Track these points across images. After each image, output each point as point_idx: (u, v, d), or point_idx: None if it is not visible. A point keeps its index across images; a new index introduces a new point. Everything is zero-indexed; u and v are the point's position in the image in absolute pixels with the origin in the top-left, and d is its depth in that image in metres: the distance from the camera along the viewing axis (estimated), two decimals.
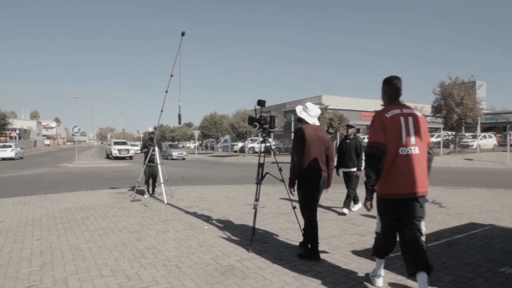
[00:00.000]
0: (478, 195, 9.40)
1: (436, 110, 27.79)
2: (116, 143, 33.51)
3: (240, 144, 39.57)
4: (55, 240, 5.06)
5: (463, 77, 27.74)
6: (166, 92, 7.82)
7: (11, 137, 53.79)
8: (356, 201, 7.24)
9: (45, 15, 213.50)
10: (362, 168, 6.64)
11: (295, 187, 4.27)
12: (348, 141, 6.99)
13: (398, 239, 3.31)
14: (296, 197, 4.42)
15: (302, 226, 4.53)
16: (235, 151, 41.35)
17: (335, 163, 7.07)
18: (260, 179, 4.88)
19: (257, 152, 37.29)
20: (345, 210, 6.87)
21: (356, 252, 4.52)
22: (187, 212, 7.07)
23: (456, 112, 25.73)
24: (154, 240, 5.05)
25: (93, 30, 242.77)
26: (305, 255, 4.26)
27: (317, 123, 4.36)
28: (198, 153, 43.63)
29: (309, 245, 4.26)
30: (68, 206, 7.78)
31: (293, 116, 39.95)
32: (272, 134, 5.16)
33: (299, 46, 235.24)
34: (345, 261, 4.19)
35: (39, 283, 3.53)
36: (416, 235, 3.11)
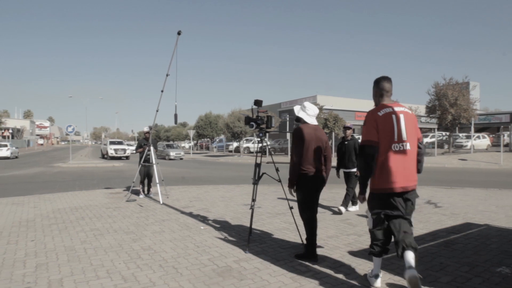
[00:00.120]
0: (473, 195, 9.45)
1: (431, 110, 27.95)
2: (112, 143, 32.93)
3: (235, 144, 39.52)
4: (49, 241, 5.00)
5: (457, 78, 27.87)
6: (162, 91, 7.77)
7: (4, 137, 53.26)
8: (354, 202, 7.25)
9: (38, 15, 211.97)
10: None
11: (295, 188, 4.26)
12: (346, 142, 7.11)
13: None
14: (293, 197, 4.40)
15: (302, 229, 4.50)
16: (230, 151, 41.31)
17: (335, 165, 7.13)
18: (257, 180, 4.85)
19: (252, 152, 37.32)
20: (342, 209, 6.90)
21: (353, 253, 4.51)
22: (183, 213, 7.03)
23: (450, 112, 25.90)
24: (150, 241, 5.01)
25: (88, 29, 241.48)
26: (303, 255, 4.24)
27: (315, 123, 4.35)
28: (193, 153, 43.51)
29: (307, 245, 4.24)
30: (62, 206, 7.70)
31: (288, 116, 40.04)
32: (267, 134, 5.14)
33: (294, 46, 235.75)
34: (342, 261, 4.18)
35: (33, 285, 3.48)
36: (408, 226, 3.29)
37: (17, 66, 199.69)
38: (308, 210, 4.21)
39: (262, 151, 5.02)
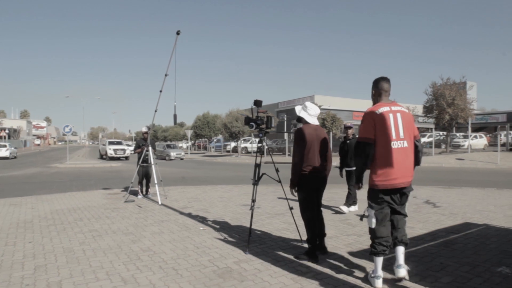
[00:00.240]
0: (471, 195, 9.47)
1: (428, 110, 28.04)
2: (111, 143, 32.42)
3: (233, 144, 39.50)
4: (48, 243, 4.96)
5: (454, 78, 28.02)
6: (161, 91, 7.74)
7: (0, 137, 52.98)
8: (354, 202, 7.26)
9: (34, 15, 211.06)
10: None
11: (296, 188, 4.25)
12: (348, 141, 7.16)
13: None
14: (294, 197, 4.41)
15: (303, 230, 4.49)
16: (228, 151, 41.29)
17: (338, 164, 7.13)
18: (257, 180, 4.84)
19: (250, 152, 37.30)
20: (345, 208, 6.96)
21: (353, 253, 4.51)
22: (181, 213, 7.00)
23: (447, 112, 25.99)
24: (149, 242, 4.98)
25: (85, 29, 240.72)
26: (303, 256, 4.23)
27: (317, 123, 4.34)
28: (190, 153, 43.43)
29: (308, 245, 4.23)
30: (60, 207, 7.66)
31: (285, 116, 40.05)
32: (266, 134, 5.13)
33: (292, 46, 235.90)
34: (343, 262, 4.17)
35: (32, 287, 3.45)
36: (403, 220, 3.58)
37: (13, 66, 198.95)
38: (309, 210, 4.20)
39: (260, 151, 5.00)
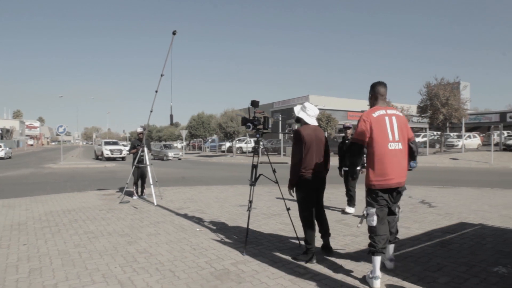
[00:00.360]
0: (466, 195, 9.53)
1: (422, 110, 28.20)
2: (107, 143, 31.66)
3: (227, 144, 39.45)
4: (42, 245, 4.90)
5: (446, 77, 28.19)
6: (156, 92, 7.69)
7: None
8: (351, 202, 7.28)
9: (25, 14, 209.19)
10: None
11: (294, 188, 4.26)
12: (346, 141, 7.17)
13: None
14: (292, 198, 4.41)
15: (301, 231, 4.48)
16: (223, 151, 41.23)
17: (337, 164, 7.14)
18: (254, 181, 4.82)
19: (245, 152, 37.26)
20: (351, 209, 7.00)
21: (350, 254, 4.50)
22: (177, 214, 6.97)
23: (441, 112, 26.16)
24: (145, 244, 4.94)
25: (79, 29, 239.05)
26: (300, 257, 4.22)
27: (316, 123, 4.35)
28: (185, 153, 43.29)
29: (305, 246, 4.22)
30: (54, 208, 7.59)
31: (280, 116, 40.05)
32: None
33: (286, 46, 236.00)
34: (340, 263, 4.17)
35: None
36: (395, 219, 3.76)
37: (6, 66, 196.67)
38: (307, 210, 4.20)
39: (255, 151, 4.99)
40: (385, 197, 3.53)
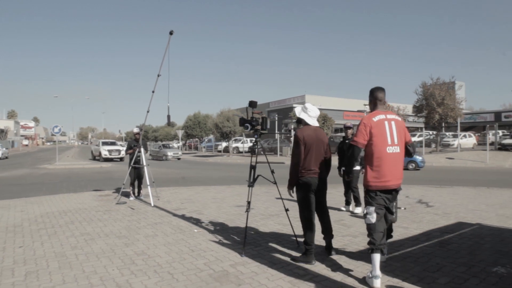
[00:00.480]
0: (462, 194, 9.57)
1: (418, 110, 28.30)
2: (105, 144, 30.89)
3: (224, 144, 39.37)
4: (38, 247, 4.85)
5: (441, 77, 28.31)
6: (153, 92, 7.64)
7: None
8: (348, 202, 7.26)
9: (22, 14, 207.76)
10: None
11: (294, 189, 4.27)
12: (347, 141, 7.12)
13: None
14: (288, 198, 4.40)
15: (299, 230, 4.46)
16: (219, 151, 41.14)
17: (337, 164, 7.13)
18: (252, 182, 4.79)
19: (241, 152, 37.21)
20: (358, 210, 7.00)
21: (349, 254, 4.49)
22: (175, 215, 6.93)
23: (437, 112, 26.27)
24: (143, 245, 4.90)
25: (74, 29, 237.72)
26: (299, 258, 4.20)
27: (317, 124, 4.35)
28: (182, 153, 43.17)
29: (304, 246, 4.20)
30: (50, 210, 7.52)
31: (276, 115, 40.06)
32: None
33: (282, 46, 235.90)
34: (339, 263, 4.15)
35: None
36: (392, 217, 3.94)
37: (1, 65, 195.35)
38: (307, 211, 4.19)
39: (252, 151, 4.97)
40: (383, 197, 3.66)
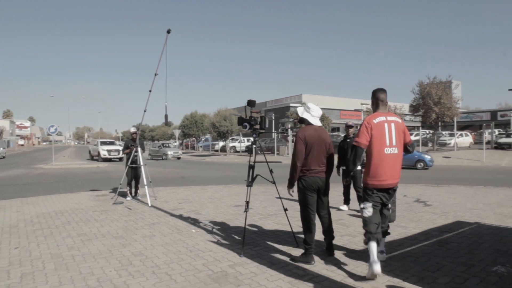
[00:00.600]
0: (460, 193, 9.58)
1: (415, 109, 28.38)
2: (103, 143, 30.27)
3: (221, 143, 39.31)
4: (34, 248, 4.79)
5: (438, 76, 28.39)
6: (150, 91, 7.59)
7: None
8: (347, 202, 7.24)
9: (17, 14, 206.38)
10: None
11: (294, 189, 4.27)
12: (348, 140, 7.13)
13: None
14: (290, 197, 4.38)
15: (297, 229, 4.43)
16: (216, 151, 41.07)
17: (336, 163, 7.10)
18: (251, 181, 4.76)
19: (238, 151, 37.18)
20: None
21: (349, 254, 4.47)
22: (172, 215, 6.88)
23: (434, 111, 26.34)
24: (140, 246, 4.85)
25: (70, 28, 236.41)
26: (299, 258, 4.17)
27: (319, 124, 4.33)
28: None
29: (304, 246, 4.18)
30: (47, 210, 7.45)
31: (273, 115, 40.04)
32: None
33: (279, 45, 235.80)
34: (339, 263, 4.13)
35: None
36: (389, 213, 4.08)
37: None
38: (307, 211, 4.17)
39: (249, 151, 4.95)
40: (379, 195, 3.83)
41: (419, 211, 7.10)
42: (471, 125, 43.14)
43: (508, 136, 28.35)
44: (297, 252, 4.45)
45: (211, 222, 6.25)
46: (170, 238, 5.26)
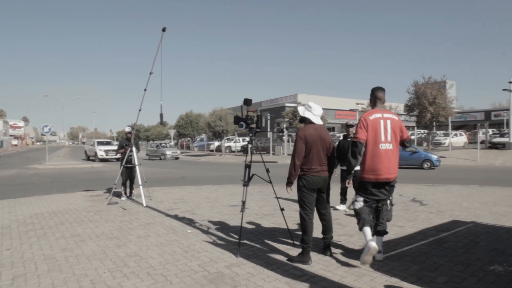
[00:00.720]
0: (455, 192, 9.60)
1: (410, 109, 28.48)
2: (100, 143, 29.70)
3: (216, 143, 39.22)
4: (27, 250, 4.70)
5: (432, 76, 28.52)
6: (145, 90, 7.51)
7: None
8: (343, 201, 7.22)
9: (11, 13, 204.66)
10: None
11: (293, 187, 4.27)
12: (349, 139, 7.08)
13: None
14: (283, 197, 4.33)
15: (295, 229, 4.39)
16: (212, 150, 40.96)
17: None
18: (247, 181, 4.71)
19: (233, 151, 37.10)
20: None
21: (346, 254, 4.43)
22: (167, 215, 6.81)
23: (429, 111, 26.46)
24: (135, 247, 4.79)
25: (64, 28, 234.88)
26: (296, 258, 4.13)
27: (321, 122, 4.34)
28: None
29: (301, 245, 4.14)
30: (40, 211, 7.35)
31: (268, 114, 40.05)
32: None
33: (274, 45, 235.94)
34: (336, 263, 4.09)
35: None
36: (384, 210, 4.14)
37: None
38: (305, 210, 4.15)
39: (245, 150, 4.91)
40: (374, 191, 3.98)
41: (415, 211, 7.09)
42: (465, 125, 43.40)
43: (502, 135, 28.58)
44: (294, 252, 4.41)
45: (207, 222, 6.19)
46: (165, 238, 5.20)
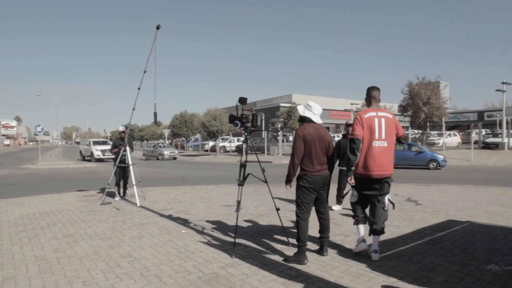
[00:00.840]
0: (450, 192, 9.61)
1: (404, 109, 28.62)
2: (96, 143, 29.12)
3: (211, 143, 39.11)
4: (18, 251, 4.61)
5: (426, 76, 28.68)
6: (139, 89, 7.43)
7: None
8: (339, 201, 7.19)
9: (2, 13, 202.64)
10: None
11: (292, 186, 4.27)
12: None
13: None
14: (278, 197, 4.28)
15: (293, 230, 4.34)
16: (206, 150, 40.83)
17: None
18: (242, 181, 4.65)
19: (228, 151, 37.02)
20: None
21: (342, 254, 4.39)
22: (162, 215, 6.74)
23: (423, 111, 26.61)
24: (129, 247, 4.71)
25: (58, 28, 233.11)
26: (292, 258, 4.09)
27: (320, 122, 4.31)
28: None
29: (297, 244, 4.10)
30: (32, 211, 7.24)
31: (263, 114, 40.01)
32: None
33: (269, 45, 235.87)
34: (332, 264, 4.05)
35: None
36: (380, 208, 4.19)
37: None
38: (302, 209, 4.12)
39: (239, 150, 4.86)
40: (367, 184, 4.14)
41: (410, 210, 7.09)
42: (459, 125, 43.74)
43: (495, 136, 28.80)
44: (290, 252, 4.36)
45: (202, 223, 6.12)
46: (159, 239, 5.13)
